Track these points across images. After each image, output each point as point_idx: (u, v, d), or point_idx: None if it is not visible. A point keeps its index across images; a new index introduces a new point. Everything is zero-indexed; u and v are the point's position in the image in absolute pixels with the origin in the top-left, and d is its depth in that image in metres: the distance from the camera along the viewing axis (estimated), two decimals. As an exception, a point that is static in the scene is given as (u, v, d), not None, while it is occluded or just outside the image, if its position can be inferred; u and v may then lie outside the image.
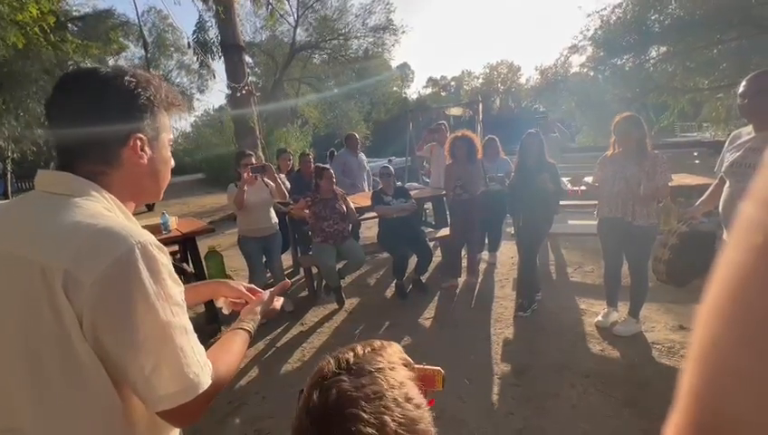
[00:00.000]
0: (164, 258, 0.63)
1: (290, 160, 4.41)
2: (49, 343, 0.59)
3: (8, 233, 0.63)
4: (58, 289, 0.56)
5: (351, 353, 0.52)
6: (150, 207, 9.27)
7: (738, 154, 1.86)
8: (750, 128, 1.88)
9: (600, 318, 2.91)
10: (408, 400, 0.48)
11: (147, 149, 0.70)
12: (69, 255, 0.57)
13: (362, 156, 5.22)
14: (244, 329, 0.84)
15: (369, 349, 0.53)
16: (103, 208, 0.65)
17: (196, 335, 0.67)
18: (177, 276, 0.66)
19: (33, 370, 0.60)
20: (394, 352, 0.55)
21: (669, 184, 2.53)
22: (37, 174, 0.69)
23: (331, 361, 0.51)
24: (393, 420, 0.44)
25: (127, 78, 0.67)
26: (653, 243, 2.60)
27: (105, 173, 0.67)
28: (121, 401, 0.63)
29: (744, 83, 1.79)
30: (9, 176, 9.57)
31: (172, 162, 0.78)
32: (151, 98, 0.69)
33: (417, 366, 1.04)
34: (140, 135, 0.68)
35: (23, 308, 0.59)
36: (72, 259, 0.57)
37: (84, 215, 0.61)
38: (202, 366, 0.65)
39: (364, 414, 0.44)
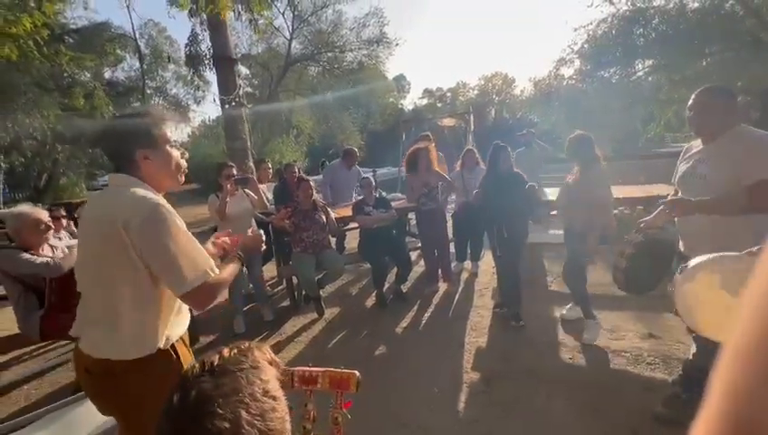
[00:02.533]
0: (172, 213, 1.10)
1: (269, 170, 4.46)
2: (116, 264, 1.08)
3: (100, 205, 1.18)
4: (121, 230, 1.06)
5: (217, 356, 0.56)
6: None
7: (689, 165, 1.93)
8: (700, 141, 1.96)
9: (564, 312, 3.11)
10: (266, 393, 0.52)
11: (150, 156, 1.16)
12: (127, 212, 1.07)
13: (357, 169, 5.27)
14: (235, 258, 1.33)
15: (235, 351, 0.58)
16: (143, 190, 1.13)
17: (201, 249, 1.15)
18: (180, 220, 1.12)
19: (105, 279, 1.11)
20: (261, 353, 0.60)
21: (612, 195, 2.73)
22: (108, 176, 1.23)
23: (196, 364, 0.55)
24: (248, 413, 0.48)
25: (131, 117, 1.18)
26: (583, 247, 2.72)
27: (138, 172, 1.16)
28: (157, 291, 1.13)
29: (692, 98, 1.87)
30: (1, 186, 9.60)
31: (179, 158, 1.22)
32: (149, 124, 1.17)
33: (333, 370, 1.08)
34: (144, 150, 1.15)
35: (102, 242, 1.09)
36: (128, 213, 1.06)
37: (133, 194, 1.10)
38: (207, 266, 1.13)
39: (219, 410, 0.47)
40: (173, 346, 1.19)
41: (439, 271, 4.01)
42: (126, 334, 1.10)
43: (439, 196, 3.67)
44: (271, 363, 0.59)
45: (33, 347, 3.15)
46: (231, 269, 1.26)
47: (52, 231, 2.50)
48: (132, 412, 1.14)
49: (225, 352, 0.57)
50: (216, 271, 1.16)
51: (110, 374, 1.11)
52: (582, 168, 2.72)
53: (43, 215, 2.45)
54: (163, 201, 1.11)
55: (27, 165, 7.53)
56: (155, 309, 1.13)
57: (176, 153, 1.21)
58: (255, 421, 0.49)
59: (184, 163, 1.25)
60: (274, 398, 0.53)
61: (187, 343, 1.29)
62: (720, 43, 9.04)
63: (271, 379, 0.55)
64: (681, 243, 2.03)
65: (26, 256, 2.30)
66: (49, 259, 2.34)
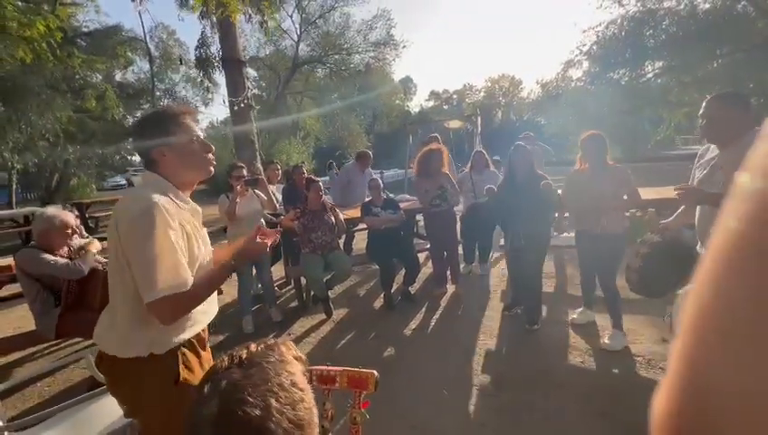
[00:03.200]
0: (167, 216, 1.06)
1: (278, 171, 4.49)
2: (115, 262, 1.10)
3: (116, 207, 1.16)
4: (114, 228, 1.08)
5: (245, 350, 0.56)
6: None
7: (705, 172, 1.91)
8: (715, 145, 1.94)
9: (574, 316, 3.02)
10: (293, 384, 0.53)
11: (166, 152, 1.17)
12: (121, 211, 1.09)
13: (369, 172, 5.30)
14: (226, 265, 1.22)
15: (262, 346, 0.58)
16: (152, 189, 1.13)
17: (182, 260, 1.09)
18: (173, 224, 1.08)
19: (111, 277, 1.15)
20: (288, 349, 0.60)
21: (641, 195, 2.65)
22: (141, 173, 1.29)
23: (225, 358, 0.55)
24: (278, 401, 0.49)
25: (151, 115, 1.23)
26: (621, 254, 2.65)
27: (159, 169, 1.18)
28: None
29: (703, 105, 1.85)
30: (14, 186, 9.76)
31: (201, 148, 1.21)
32: (164, 121, 1.18)
33: (352, 369, 1.08)
34: (159, 148, 1.16)
35: (110, 241, 1.12)
36: (122, 212, 1.09)
37: (135, 192, 1.16)
38: (182, 279, 1.07)
39: (250, 398, 0.49)
40: (173, 353, 1.14)
41: (448, 273, 3.99)
42: (119, 333, 1.13)
43: (450, 198, 3.64)
44: (296, 359, 0.60)
45: (46, 345, 3.19)
46: (214, 278, 1.19)
47: (77, 235, 2.54)
48: (135, 412, 1.19)
49: (253, 346, 0.58)
50: (189, 286, 1.09)
51: (111, 372, 1.16)
52: (598, 168, 2.66)
53: (72, 219, 2.49)
54: (162, 203, 1.07)
55: (39, 165, 7.64)
56: (144, 311, 1.09)
57: (196, 145, 1.19)
58: (285, 410, 0.50)
59: (210, 155, 1.23)
60: (302, 389, 0.54)
61: (202, 346, 1.25)
62: (731, 44, 8.95)
63: (297, 372, 0.56)
64: (700, 245, 2.00)
65: (49, 257, 2.33)
66: (70, 262, 2.38)
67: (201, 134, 1.22)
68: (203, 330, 1.26)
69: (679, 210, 2.29)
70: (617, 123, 10.51)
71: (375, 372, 1.06)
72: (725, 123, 1.74)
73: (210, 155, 1.24)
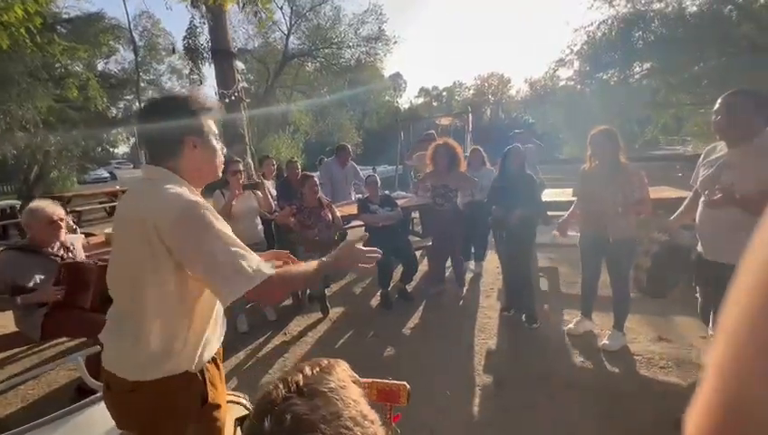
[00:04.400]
0: (210, 209, 0.98)
1: (273, 166, 4.39)
2: (144, 263, 0.95)
3: (132, 203, 1.04)
4: (152, 232, 0.93)
5: (300, 375, 0.50)
6: (112, 213, 9.22)
7: (712, 170, 1.90)
8: (723, 144, 1.93)
9: (571, 325, 2.96)
10: (364, 417, 0.48)
11: (198, 145, 1.06)
12: (159, 212, 0.94)
13: (353, 166, 5.20)
14: (317, 261, 1.08)
15: (317, 369, 0.52)
16: (178, 186, 1.01)
17: (245, 250, 0.97)
18: (219, 216, 0.99)
19: (131, 287, 0.98)
20: (343, 371, 0.54)
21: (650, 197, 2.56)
22: (143, 168, 1.09)
23: (279, 384, 0.49)
24: None
25: (179, 100, 1.08)
26: (633, 256, 2.63)
27: (180, 163, 1.06)
28: (188, 305, 1.02)
29: (719, 101, 1.83)
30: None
31: (221, 151, 1.13)
32: (198, 110, 1.07)
33: (382, 381, 1.02)
34: (192, 137, 1.05)
35: (131, 245, 0.98)
36: (161, 214, 0.94)
37: (166, 192, 0.98)
38: (251, 261, 0.95)
39: None
40: (201, 369, 1.06)
41: (447, 272, 3.95)
42: (148, 351, 0.98)
43: (454, 197, 3.57)
44: (354, 382, 0.54)
45: (28, 345, 3.04)
46: (302, 269, 1.04)
47: (64, 230, 2.41)
48: (148, 432, 1.05)
49: (307, 370, 0.51)
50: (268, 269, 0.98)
51: (127, 392, 1.01)
52: (609, 166, 2.54)
53: (58, 211, 2.36)
54: (200, 199, 1.00)
55: (18, 157, 7.30)
56: (184, 324, 1.01)
57: (219, 145, 1.12)
58: None
59: (222, 157, 1.15)
60: (372, 421, 0.48)
61: (220, 360, 1.18)
62: (717, 47, 9.12)
63: (361, 400, 0.50)
64: (700, 245, 2.00)
65: (34, 273, 2.22)
66: (46, 279, 2.25)
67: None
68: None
69: (680, 209, 2.29)
70: (605, 123, 10.63)
71: (406, 383, 1.00)
72: (744, 120, 1.72)
73: (222, 159, 1.15)
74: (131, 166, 22.75)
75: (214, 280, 0.94)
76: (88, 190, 11.79)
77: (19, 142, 6.93)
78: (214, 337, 1.11)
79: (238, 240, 0.98)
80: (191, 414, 1.05)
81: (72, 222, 2.93)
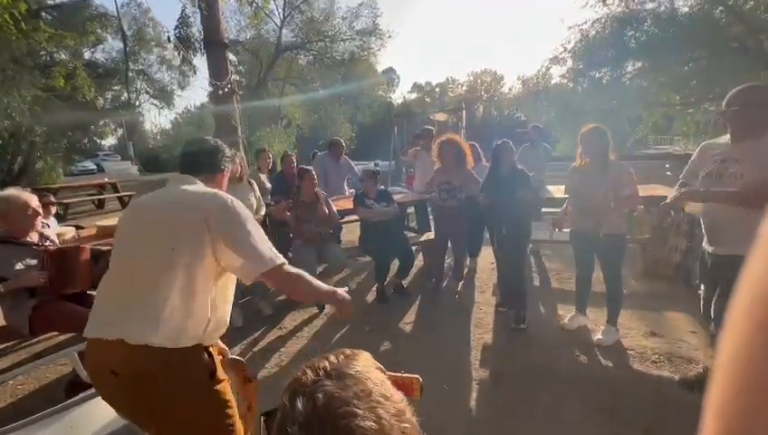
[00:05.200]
0: (242, 206, 1.23)
1: (269, 159, 4.33)
2: (183, 252, 1.13)
3: (175, 196, 1.27)
4: (202, 219, 1.15)
5: (326, 361, 0.50)
6: (100, 205, 9.06)
7: (716, 165, 1.92)
8: (724, 139, 1.94)
9: (566, 320, 3.01)
10: (392, 395, 0.49)
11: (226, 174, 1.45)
12: (208, 203, 1.19)
13: (347, 160, 5.17)
14: (331, 292, 1.32)
15: (342, 356, 0.52)
16: (210, 188, 1.31)
17: (269, 242, 1.22)
18: (251, 213, 1.28)
19: (167, 258, 1.13)
20: (366, 358, 0.55)
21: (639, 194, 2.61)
22: (183, 177, 1.35)
23: (307, 370, 0.49)
24: (387, 413, 0.45)
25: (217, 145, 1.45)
26: (624, 252, 2.68)
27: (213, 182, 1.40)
28: (210, 284, 1.18)
29: (732, 93, 1.81)
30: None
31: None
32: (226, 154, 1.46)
33: (394, 374, 1.02)
34: (225, 168, 1.44)
35: (174, 230, 1.17)
36: (210, 205, 1.19)
37: (209, 190, 1.28)
38: (275, 253, 1.20)
39: (359, 410, 0.43)
40: (209, 351, 1.19)
41: (445, 268, 3.96)
42: (173, 324, 1.11)
43: (459, 194, 3.55)
44: (378, 369, 0.54)
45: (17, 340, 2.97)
46: (318, 284, 1.29)
47: (40, 217, 2.34)
48: (161, 416, 1.10)
49: (332, 357, 0.52)
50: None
51: (140, 373, 1.08)
52: (599, 163, 2.59)
53: (32, 199, 2.29)
54: (232, 197, 1.24)
55: (3, 146, 7.08)
56: (204, 301, 1.16)
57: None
58: (394, 422, 0.45)
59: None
60: (401, 399, 0.49)
61: (224, 353, 1.36)
62: (707, 48, 9.25)
63: (387, 382, 0.51)
64: (706, 240, 2.03)
65: (17, 261, 2.15)
66: (29, 267, 2.18)
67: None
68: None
69: (673, 192, 2.24)
70: (597, 121, 10.74)
71: (419, 377, 1.00)
72: (757, 114, 1.73)
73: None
74: (119, 158, 22.27)
75: (250, 259, 1.15)
76: (76, 182, 11.53)
77: (3, 132, 6.72)
78: (223, 319, 1.26)
79: (260, 232, 1.22)
80: (201, 386, 1.16)
81: (57, 211, 2.85)
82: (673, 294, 3.42)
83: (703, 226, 2.04)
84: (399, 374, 1.01)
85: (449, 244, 3.78)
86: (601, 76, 10.70)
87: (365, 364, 0.52)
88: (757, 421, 0.17)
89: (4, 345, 2.93)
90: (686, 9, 9.81)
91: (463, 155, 3.52)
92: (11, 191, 2.27)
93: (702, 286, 2.14)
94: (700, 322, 2.93)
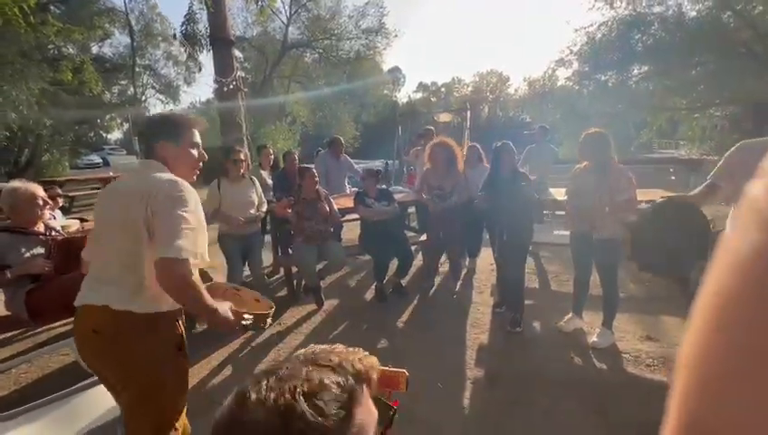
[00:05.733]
0: (190, 191, 1.25)
1: (271, 156, 4.36)
2: (131, 226, 1.21)
3: (130, 182, 1.34)
4: (145, 201, 1.20)
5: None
6: None
7: None
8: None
9: (562, 323, 3.01)
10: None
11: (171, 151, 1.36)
12: (153, 187, 1.22)
13: (347, 158, 5.19)
14: (216, 305, 1.24)
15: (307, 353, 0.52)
16: (167, 173, 1.30)
17: (203, 234, 1.27)
18: (198, 207, 1.26)
19: (123, 244, 1.23)
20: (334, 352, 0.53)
21: (638, 198, 2.61)
22: (139, 162, 1.45)
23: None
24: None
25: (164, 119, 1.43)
26: (621, 256, 2.68)
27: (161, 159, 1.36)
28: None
29: None
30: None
31: (196, 157, 1.41)
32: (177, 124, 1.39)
33: (381, 368, 1.05)
34: (167, 144, 1.35)
35: (127, 211, 1.23)
36: (154, 189, 1.22)
37: (158, 175, 1.27)
38: (201, 251, 1.23)
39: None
40: (175, 320, 1.33)
41: (443, 268, 3.98)
42: (132, 288, 1.23)
43: (450, 197, 3.56)
44: (364, 360, 0.53)
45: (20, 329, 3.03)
46: (209, 298, 1.23)
47: (49, 207, 2.38)
48: (126, 374, 1.24)
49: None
50: (207, 260, 1.27)
51: (119, 332, 1.22)
52: (599, 167, 2.60)
53: (38, 190, 2.34)
54: (184, 181, 1.27)
55: (9, 139, 7.16)
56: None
57: (195, 154, 1.41)
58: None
59: (199, 164, 1.44)
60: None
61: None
62: (714, 53, 9.20)
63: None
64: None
65: (21, 248, 2.20)
66: (36, 255, 2.23)
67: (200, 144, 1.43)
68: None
69: (694, 193, 2.04)
70: (602, 124, 10.70)
71: (405, 371, 1.02)
72: None
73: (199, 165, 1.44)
74: (125, 152, 22.43)
75: (160, 239, 1.18)
76: (82, 176, 11.64)
77: (11, 124, 6.80)
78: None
79: (198, 228, 1.24)
80: (168, 354, 1.29)
81: (63, 203, 2.90)
82: (671, 298, 3.42)
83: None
84: (386, 368, 1.04)
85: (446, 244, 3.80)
86: (607, 79, 10.68)
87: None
88: (716, 415, 0.19)
89: (8, 335, 2.99)
90: (694, 13, 9.77)
91: (454, 158, 3.51)
92: (17, 183, 2.32)
93: None
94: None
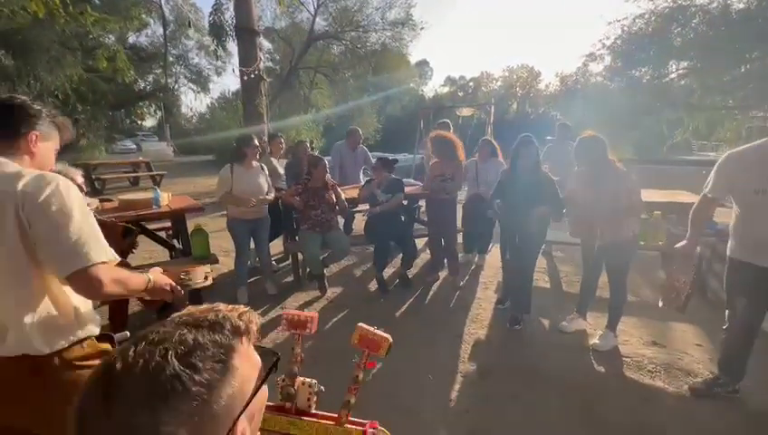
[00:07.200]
0: (78, 192, 1.03)
1: (281, 144, 4.42)
2: (14, 252, 0.97)
3: None
4: (18, 208, 0.95)
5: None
6: (135, 183, 9.50)
7: None
8: None
9: (564, 323, 2.94)
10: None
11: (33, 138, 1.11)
12: (24, 194, 0.96)
13: (363, 149, 5.19)
14: (147, 276, 1.18)
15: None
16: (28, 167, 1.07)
17: (99, 233, 1.05)
18: (79, 194, 1.04)
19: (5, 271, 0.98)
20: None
21: (642, 199, 2.55)
22: None
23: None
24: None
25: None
26: (629, 259, 2.59)
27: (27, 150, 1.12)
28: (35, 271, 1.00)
29: None
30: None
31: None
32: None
33: (367, 328, 1.06)
34: (29, 130, 1.10)
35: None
36: (25, 195, 0.96)
37: (22, 171, 1.01)
38: (106, 247, 1.04)
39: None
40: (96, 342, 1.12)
41: (445, 262, 3.96)
42: (47, 322, 1.02)
43: (450, 187, 3.56)
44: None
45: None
46: (136, 279, 1.13)
47: (84, 192, 2.53)
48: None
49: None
50: (112, 258, 1.06)
51: (35, 372, 1.00)
52: (596, 172, 2.54)
53: (77, 175, 2.47)
54: (61, 176, 1.04)
55: (49, 124, 7.58)
56: (38, 293, 1.03)
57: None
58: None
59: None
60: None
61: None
62: (763, 48, 8.55)
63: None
64: (746, 250, 1.97)
65: None
66: None
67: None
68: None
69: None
70: (634, 122, 10.21)
71: (390, 337, 1.04)
72: None
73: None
74: (156, 139, 23.37)
75: (60, 254, 0.98)
76: (113, 160, 12.23)
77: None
78: (78, 306, 1.10)
79: (95, 224, 1.05)
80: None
81: (83, 186, 3.07)
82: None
83: (743, 239, 1.95)
84: (372, 329, 1.05)
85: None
86: (641, 75, 10.15)
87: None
88: None
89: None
90: (742, 5, 9.10)
91: (453, 149, 3.54)
92: (59, 166, 2.47)
93: (733, 301, 2.05)
94: (709, 334, 2.80)
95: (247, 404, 0.44)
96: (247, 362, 0.46)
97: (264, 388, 0.48)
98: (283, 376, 1.04)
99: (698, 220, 2.12)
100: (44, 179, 0.99)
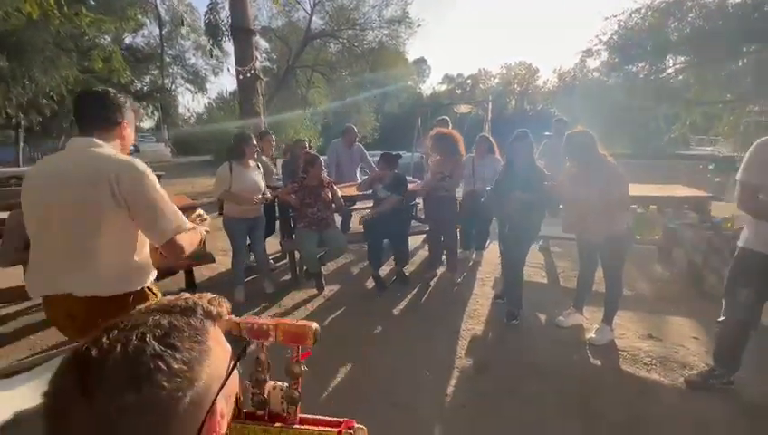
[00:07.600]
0: (149, 172, 1.31)
1: (272, 142, 4.40)
2: (106, 210, 1.24)
3: (79, 161, 1.29)
4: (112, 181, 1.23)
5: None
6: None
7: None
8: None
9: (561, 317, 2.94)
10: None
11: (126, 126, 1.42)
12: (115, 167, 1.26)
13: (360, 147, 5.18)
14: (200, 231, 1.49)
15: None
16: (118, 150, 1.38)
17: (176, 207, 1.35)
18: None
19: (86, 225, 1.26)
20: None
21: (629, 193, 2.54)
22: (78, 139, 1.35)
23: None
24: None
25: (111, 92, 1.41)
26: (625, 251, 2.59)
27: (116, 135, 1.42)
28: (136, 233, 1.35)
29: None
30: (21, 144, 9.76)
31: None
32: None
33: (286, 322, 1.01)
34: (123, 120, 1.39)
35: (88, 192, 1.25)
36: (117, 168, 1.26)
37: (113, 153, 1.33)
38: (181, 221, 1.35)
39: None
40: (150, 289, 1.41)
41: (443, 258, 3.95)
42: (110, 273, 1.29)
43: (448, 184, 3.56)
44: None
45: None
46: (197, 238, 1.44)
47: None
48: None
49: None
50: (190, 225, 1.40)
51: (89, 318, 1.22)
52: (584, 168, 2.55)
53: None
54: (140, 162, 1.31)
55: (46, 124, 7.58)
56: (136, 250, 1.35)
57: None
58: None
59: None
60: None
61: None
62: (761, 42, 8.56)
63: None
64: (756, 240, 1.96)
65: None
66: None
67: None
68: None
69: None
70: (631, 118, 10.22)
71: (315, 324, 0.98)
72: None
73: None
74: (154, 140, 23.36)
75: (153, 224, 1.30)
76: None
77: (44, 110, 7.19)
78: (147, 259, 1.42)
79: (166, 197, 1.33)
80: None
81: None
82: (680, 299, 3.28)
83: (759, 227, 1.94)
84: (291, 322, 1.00)
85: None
86: (638, 71, 10.16)
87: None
88: None
89: (28, 304, 3.21)
90: (738, 0, 9.10)
91: (453, 143, 3.54)
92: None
93: (735, 291, 2.05)
94: (705, 327, 2.81)
95: (224, 383, 0.45)
96: (219, 346, 0.47)
97: (236, 372, 0.49)
98: (248, 382, 0.99)
99: (761, 205, 1.92)
100: (138, 168, 1.26)
